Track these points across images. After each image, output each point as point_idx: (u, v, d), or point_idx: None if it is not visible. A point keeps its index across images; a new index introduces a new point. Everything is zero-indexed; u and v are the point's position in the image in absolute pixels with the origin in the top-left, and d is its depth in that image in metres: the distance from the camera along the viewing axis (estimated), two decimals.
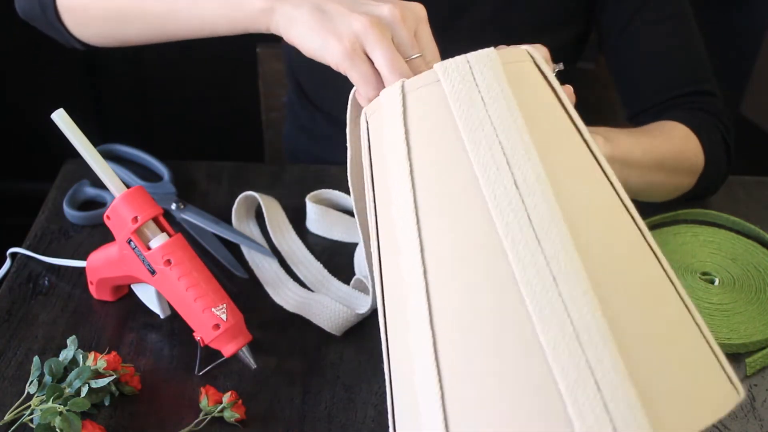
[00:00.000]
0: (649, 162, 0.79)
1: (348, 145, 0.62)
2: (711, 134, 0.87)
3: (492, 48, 0.52)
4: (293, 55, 1.05)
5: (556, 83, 0.54)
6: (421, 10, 0.62)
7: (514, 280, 0.45)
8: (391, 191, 0.51)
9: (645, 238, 0.50)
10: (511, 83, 0.50)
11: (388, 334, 0.53)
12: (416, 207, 0.49)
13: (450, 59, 0.51)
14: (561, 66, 0.59)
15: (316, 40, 0.60)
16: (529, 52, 0.54)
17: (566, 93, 0.56)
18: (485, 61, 0.51)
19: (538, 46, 0.59)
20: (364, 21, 0.58)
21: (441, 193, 0.49)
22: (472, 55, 0.51)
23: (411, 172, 0.50)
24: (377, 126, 0.54)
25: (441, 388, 0.46)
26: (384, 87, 0.57)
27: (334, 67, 0.60)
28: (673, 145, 0.84)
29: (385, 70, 0.58)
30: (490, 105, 0.49)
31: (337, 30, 0.59)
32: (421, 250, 0.48)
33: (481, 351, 0.45)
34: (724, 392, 0.47)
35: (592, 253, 0.46)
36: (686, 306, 0.49)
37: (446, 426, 0.45)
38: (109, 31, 0.79)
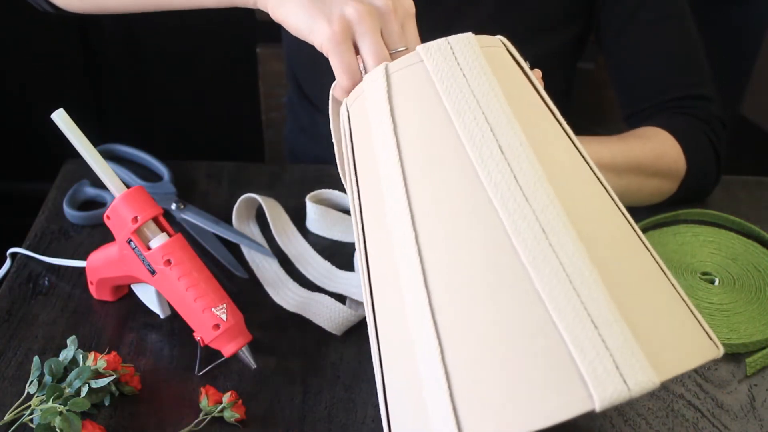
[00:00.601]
0: (621, 165, 0.80)
1: (334, 141, 0.63)
2: (697, 140, 0.87)
3: (470, 32, 0.55)
4: (293, 55, 1.05)
5: (527, 68, 0.57)
6: (410, 5, 0.63)
7: (506, 233, 0.47)
8: (378, 168, 0.53)
9: (612, 198, 0.54)
10: (489, 63, 0.53)
11: (376, 308, 0.54)
12: (404, 177, 0.51)
13: (431, 42, 0.54)
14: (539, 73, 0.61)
15: (305, 20, 0.60)
16: (501, 41, 0.57)
17: (535, 75, 0.57)
18: (464, 42, 0.54)
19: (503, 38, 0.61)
20: (359, 8, 0.58)
21: (429, 162, 0.51)
22: (452, 38, 0.54)
23: (398, 145, 0.52)
24: (359, 112, 0.56)
25: (440, 344, 0.47)
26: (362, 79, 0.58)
27: (318, 47, 0.60)
28: (650, 148, 0.84)
29: (371, 59, 0.58)
30: (472, 80, 0.52)
31: (329, 12, 0.59)
32: (412, 217, 0.50)
33: (479, 303, 0.47)
34: (706, 343, 0.50)
35: (574, 208, 0.49)
36: (657, 262, 0.52)
37: (449, 381, 0.46)
38: None
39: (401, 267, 0.50)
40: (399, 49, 0.60)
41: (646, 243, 0.53)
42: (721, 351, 0.50)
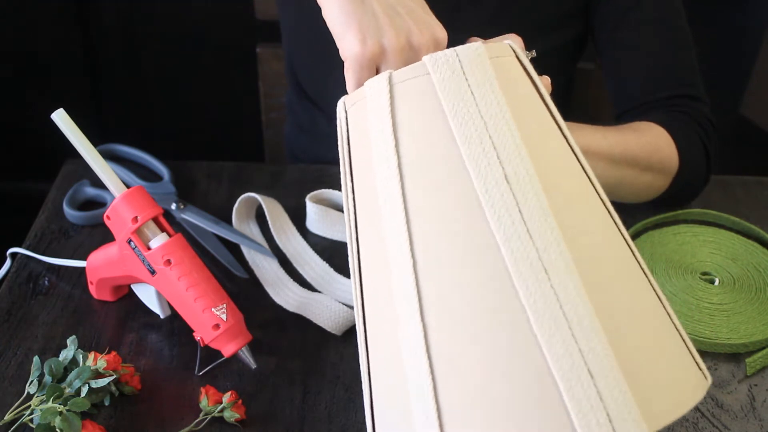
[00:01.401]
0: (617, 156, 0.79)
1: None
2: (689, 138, 0.87)
3: (479, 42, 0.52)
4: (294, 54, 1.05)
5: (535, 76, 0.54)
6: (443, 38, 0.59)
7: (507, 272, 0.46)
8: (376, 184, 0.51)
9: (620, 231, 0.52)
10: (498, 77, 0.51)
11: (368, 328, 0.53)
12: (405, 200, 0.49)
13: (438, 52, 0.51)
14: (534, 53, 0.59)
15: (340, 24, 0.56)
16: (511, 46, 0.55)
17: (543, 83, 0.56)
18: (474, 55, 0.51)
19: (513, 36, 0.59)
20: (397, 43, 0.55)
21: (430, 187, 0.49)
22: (460, 49, 0.51)
23: (399, 165, 0.49)
24: (358, 117, 0.54)
25: (434, 379, 0.46)
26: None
27: (341, 55, 0.57)
28: (644, 142, 0.83)
29: None
30: (480, 99, 0.49)
31: (366, 28, 0.55)
32: (410, 244, 0.48)
33: (475, 342, 0.46)
34: (698, 379, 0.49)
35: (578, 247, 0.47)
36: (658, 296, 0.51)
37: (440, 420, 0.45)
38: None
39: (398, 295, 0.49)
40: None
41: (646, 271, 0.52)
42: (709, 381, 0.50)
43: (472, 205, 0.47)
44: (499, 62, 0.52)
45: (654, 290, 0.51)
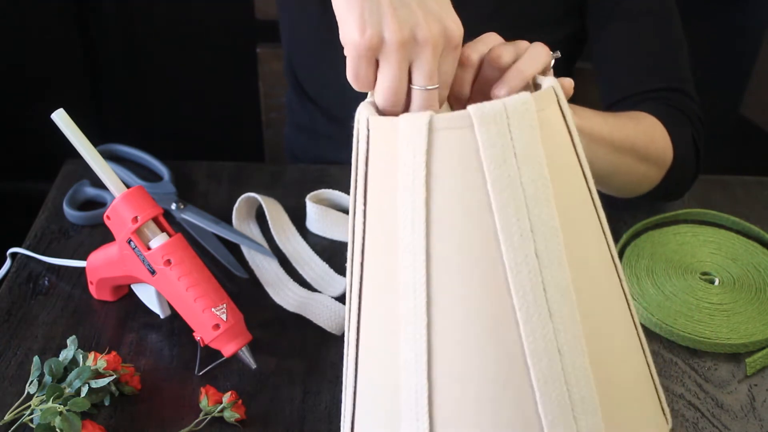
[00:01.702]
0: (617, 142, 0.78)
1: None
2: (682, 133, 0.86)
3: (528, 94, 0.47)
4: (294, 53, 1.05)
5: (573, 126, 0.52)
6: (456, 36, 0.54)
7: (522, 350, 0.46)
8: (398, 228, 0.48)
9: (625, 297, 0.53)
10: (542, 135, 0.48)
11: (360, 372, 0.53)
12: (428, 257, 0.47)
13: (486, 104, 0.46)
14: (558, 54, 0.57)
15: (342, 7, 0.53)
16: (554, 90, 0.51)
17: (565, 87, 0.55)
18: (523, 111, 0.47)
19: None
20: (396, 36, 0.52)
21: (457, 248, 0.47)
22: (510, 104, 0.46)
23: (427, 220, 0.47)
24: (385, 144, 0.50)
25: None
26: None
27: (341, 42, 0.54)
28: (642, 131, 0.82)
29: (381, 95, 0.53)
30: (523, 165, 0.46)
31: (366, 16, 0.52)
32: (428, 305, 0.47)
33: (480, 417, 0.46)
34: (661, 422, 0.54)
35: (591, 323, 0.48)
36: (644, 354, 0.54)
37: None
38: None
39: (404, 344, 0.48)
40: (428, 87, 0.53)
41: (640, 334, 0.54)
42: (670, 425, 0.54)
43: (498, 275, 0.46)
44: (545, 116, 0.49)
45: (643, 350, 0.54)
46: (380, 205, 0.50)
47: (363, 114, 0.52)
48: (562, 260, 0.46)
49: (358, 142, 0.53)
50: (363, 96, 0.56)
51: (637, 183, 0.85)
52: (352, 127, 0.55)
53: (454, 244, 0.46)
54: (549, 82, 0.52)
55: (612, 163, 0.78)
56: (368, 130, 0.51)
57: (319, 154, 1.08)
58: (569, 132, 0.51)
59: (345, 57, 0.54)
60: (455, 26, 0.54)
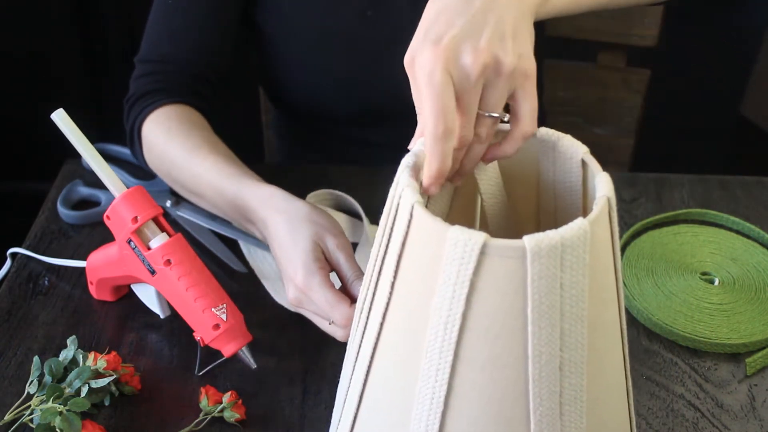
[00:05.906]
0: None
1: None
2: None
3: (586, 222, 0.45)
4: (280, 72, 1.01)
5: (616, 234, 0.50)
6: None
7: None
8: (428, 326, 0.47)
9: (628, 399, 0.56)
10: (590, 260, 0.47)
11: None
12: (455, 358, 0.47)
13: (543, 238, 0.44)
14: (507, 116, 0.53)
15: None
16: (609, 202, 0.49)
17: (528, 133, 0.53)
18: (578, 245, 0.45)
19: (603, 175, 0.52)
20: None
21: (485, 366, 0.47)
22: (567, 237, 0.45)
23: (461, 329, 0.46)
24: (428, 247, 0.47)
25: None
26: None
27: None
28: None
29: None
30: (566, 293, 0.46)
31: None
32: (447, 392, 0.47)
33: None
34: None
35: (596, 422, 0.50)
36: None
37: None
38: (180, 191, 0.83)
39: (415, 422, 0.49)
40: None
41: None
42: None
43: (520, 391, 0.47)
44: (595, 236, 0.47)
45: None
46: (411, 289, 0.49)
47: (406, 186, 0.49)
48: (582, 372, 0.47)
49: (396, 213, 0.50)
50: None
51: None
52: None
53: (484, 354, 0.47)
54: (603, 187, 0.49)
55: None
56: (412, 207, 0.48)
57: (318, 158, 1.07)
58: (612, 242, 0.50)
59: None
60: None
